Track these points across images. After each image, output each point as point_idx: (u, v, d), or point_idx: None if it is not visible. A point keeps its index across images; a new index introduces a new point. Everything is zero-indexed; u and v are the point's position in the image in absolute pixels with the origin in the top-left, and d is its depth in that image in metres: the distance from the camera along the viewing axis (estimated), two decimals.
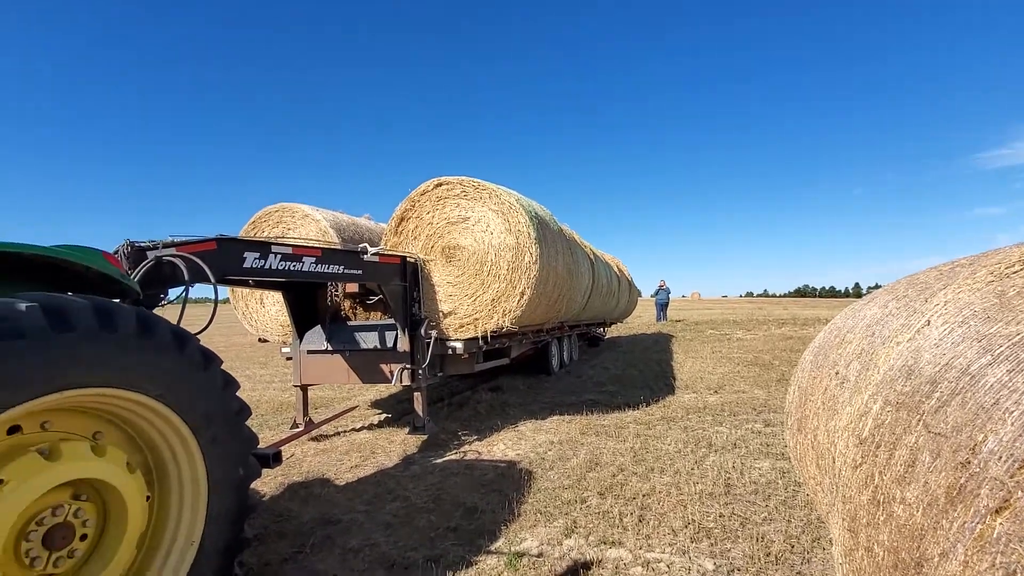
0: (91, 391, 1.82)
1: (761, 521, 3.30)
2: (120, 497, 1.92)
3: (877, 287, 2.86)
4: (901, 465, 1.26)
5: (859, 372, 1.83)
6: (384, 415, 6.95)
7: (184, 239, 3.43)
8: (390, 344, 5.82)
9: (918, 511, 1.16)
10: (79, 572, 1.87)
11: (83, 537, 1.86)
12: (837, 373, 2.04)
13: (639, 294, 19.80)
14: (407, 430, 5.88)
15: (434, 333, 5.89)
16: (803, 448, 2.34)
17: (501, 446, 5.26)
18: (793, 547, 2.95)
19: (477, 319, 6.09)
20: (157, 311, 2.87)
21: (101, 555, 1.92)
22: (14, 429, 1.73)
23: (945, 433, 1.17)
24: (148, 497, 2.10)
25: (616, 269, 14.49)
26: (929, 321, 1.49)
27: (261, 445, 2.64)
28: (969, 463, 1.08)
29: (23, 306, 1.65)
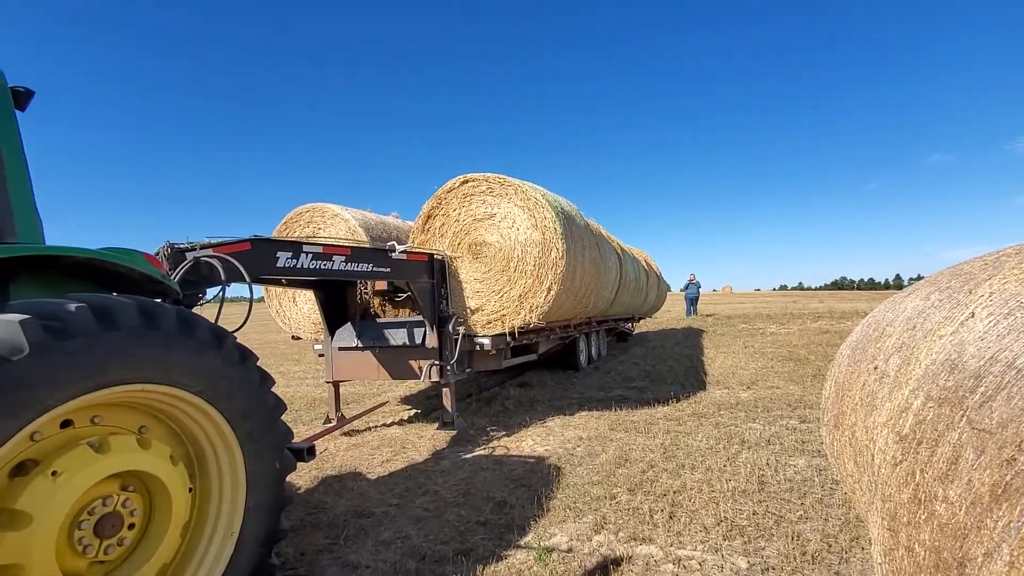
0: (136, 387, 1.90)
1: (797, 519, 3.22)
2: (164, 488, 2.00)
3: (919, 279, 2.76)
4: (943, 462, 1.22)
5: (899, 366, 1.77)
6: (414, 411, 7.06)
7: (220, 240, 3.54)
8: (418, 341, 5.90)
9: (961, 510, 1.12)
10: (128, 559, 1.96)
11: (131, 526, 1.95)
12: (876, 368, 1.97)
13: (668, 288, 19.52)
14: (436, 425, 5.96)
15: (462, 329, 5.94)
16: (840, 445, 2.27)
17: (529, 442, 5.28)
18: (830, 546, 2.87)
19: (504, 315, 6.12)
20: (196, 310, 2.98)
21: (148, 543, 2.01)
22: (66, 423, 1.82)
23: (990, 429, 1.13)
24: (191, 489, 2.19)
25: (644, 263, 14.32)
26: (973, 313, 1.43)
27: (295, 439, 2.71)
28: (1015, 460, 1.03)
29: (72, 306, 1.74)
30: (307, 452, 2.92)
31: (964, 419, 1.22)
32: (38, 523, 1.64)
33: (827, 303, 28.64)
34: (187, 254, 3.35)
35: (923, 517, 1.23)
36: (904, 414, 1.45)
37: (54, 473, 1.70)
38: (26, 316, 1.62)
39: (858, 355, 2.27)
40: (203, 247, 3.42)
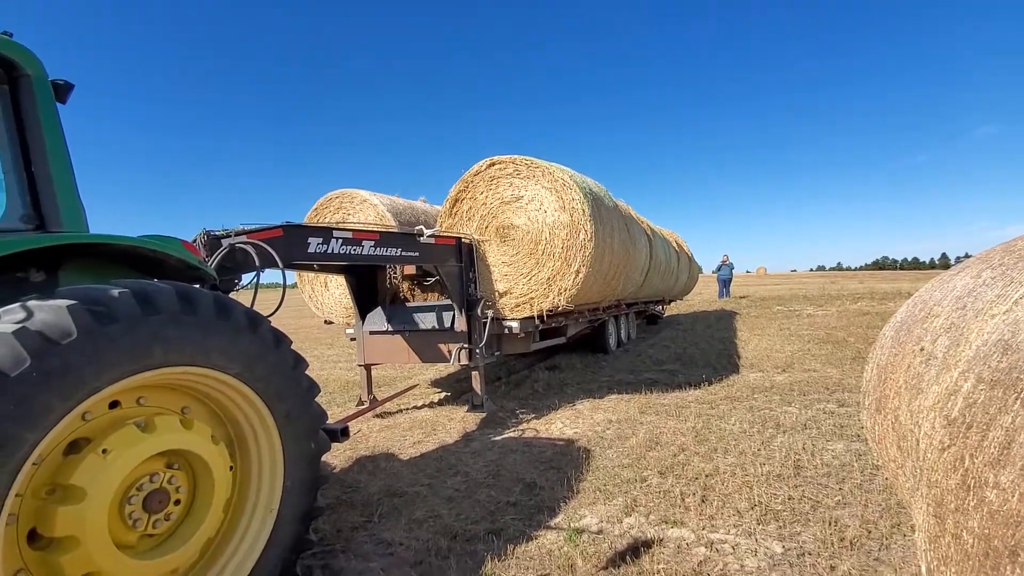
0: (178, 369, 1.97)
1: (834, 505, 3.14)
2: (207, 466, 2.08)
3: (967, 257, 2.61)
4: (995, 447, 1.16)
5: (948, 348, 1.69)
6: (444, 393, 7.15)
7: (254, 227, 3.62)
8: (447, 324, 5.95)
9: (1014, 496, 1.06)
10: (175, 533, 2.05)
11: (177, 502, 2.03)
12: (922, 349, 1.89)
13: (700, 270, 19.14)
14: (466, 408, 6.03)
15: (490, 313, 5.97)
16: (882, 429, 2.19)
17: (559, 424, 5.29)
18: (870, 532, 2.79)
19: (533, 298, 6.11)
20: (231, 296, 3.06)
21: (193, 519, 2.09)
22: (114, 404, 1.91)
23: None
24: (231, 467, 2.27)
25: (675, 244, 14.06)
26: None
27: (330, 421, 2.78)
28: None
29: (116, 292, 1.80)
30: (341, 433, 2.99)
31: (1018, 402, 1.15)
32: (91, 498, 1.72)
33: (867, 284, 27.63)
34: (222, 241, 3.44)
35: (972, 504, 1.18)
36: (953, 397, 1.38)
37: (104, 451, 1.79)
38: (73, 301, 1.69)
39: (903, 336, 2.18)
40: (237, 234, 3.51)
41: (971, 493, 1.19)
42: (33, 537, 1.71)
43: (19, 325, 1.58)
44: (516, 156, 6.20)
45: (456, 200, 6.47)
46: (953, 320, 1.79)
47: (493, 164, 6.28)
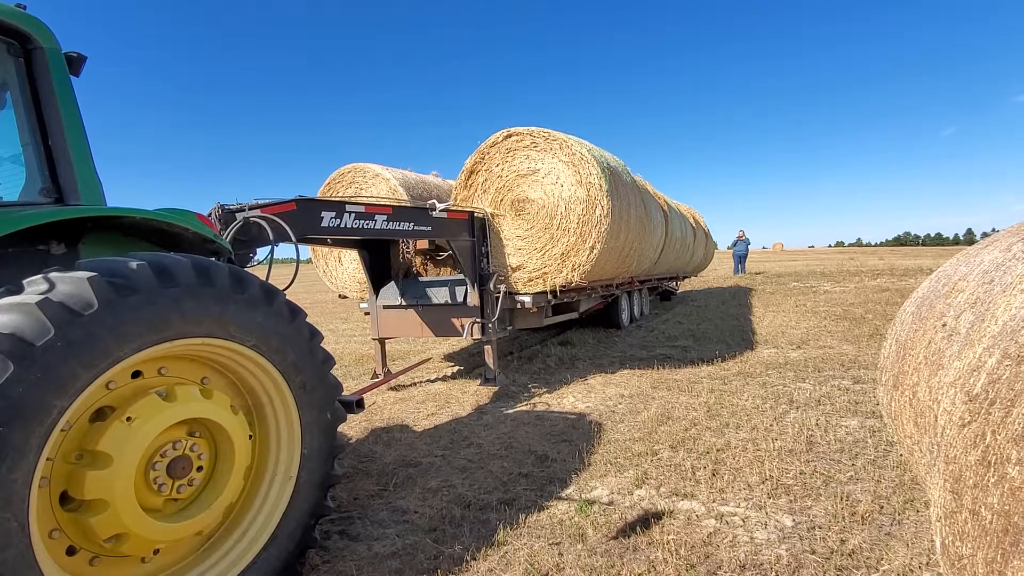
0: (197, 341, 2.00)
1: (847, 480, 3.14)
2: (227, 435, 2.13)
3: (994, 232, 2.54)
4: (1020, 424, 1.13)
5: (972, 323, 1.65)
6: (457, 367, 7.22)
7: (267, 201, 3.63)
8: (460, 299, 5.97)
9: None
10: (198, 498, 2.12)
11: (199, 468, 2.09)
12: (944, 325, 1.84)
13: (715, 246, 18.89)
14: (479, 382, 6.09)
15: (503, 288, 5.96)
16: (899, 406, 2.17)
17: (571, 399, 5.33)
18: (882, 507, 2.79)
19: (546, 273, 6.09)
20: (247, 270, 3.09)
21: (215, 485, 2.16)
22: (136, 374, 1.95)
23: None
24: (251, 436, 2.32)
25: (691, 220, 13.86)
26: None
27: (345, 393, 2.82)
28: None
29: (134, 264, 1.83)
30: (356, 404, 3.03)
31: None
32: (118, 463, 1.78)
33: (888, 260, 27.08)
34: (237, 215, 3.46)
35: (992, 480, 1.16)
36: (976, 373, 1.35)
37: (128, 419, 1.84)
38: (93, 273, 1.71)
39: (924, 312, 2.13)
40: (251, 208, 3.52)
41: (992, 469, 1.17)
42: (65, 499, 1.78)
43: (42, 296, 1.61)
44: (534, 128, 6.10)
45: (471, 172, 6.41)
46: (979, 295, 1.74)
47: (510, 136, 6.19)
